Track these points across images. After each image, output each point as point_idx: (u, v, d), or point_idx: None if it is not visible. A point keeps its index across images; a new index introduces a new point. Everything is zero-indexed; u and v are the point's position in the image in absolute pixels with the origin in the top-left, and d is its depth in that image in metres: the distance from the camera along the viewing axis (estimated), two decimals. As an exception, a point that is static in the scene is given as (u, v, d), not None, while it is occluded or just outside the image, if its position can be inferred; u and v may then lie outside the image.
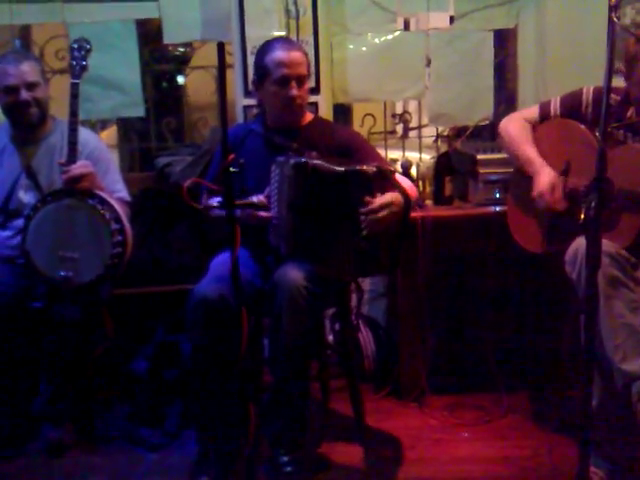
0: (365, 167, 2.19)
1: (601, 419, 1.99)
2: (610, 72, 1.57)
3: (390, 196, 2.20)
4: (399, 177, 2.37)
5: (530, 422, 2.61)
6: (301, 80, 2.33)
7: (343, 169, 2.18)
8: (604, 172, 1.55)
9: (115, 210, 2.44)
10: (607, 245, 1.87)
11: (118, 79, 3.33)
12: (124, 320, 2.76)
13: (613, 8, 1.55)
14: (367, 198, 2.16)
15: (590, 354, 1.60)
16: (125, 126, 3.86)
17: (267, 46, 2.37)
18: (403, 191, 2.26)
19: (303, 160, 2.19)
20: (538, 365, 2.80)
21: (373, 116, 3.33)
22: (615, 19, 1.54)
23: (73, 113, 2.44)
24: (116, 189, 2.61)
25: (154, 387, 2.69)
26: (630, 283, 1.95)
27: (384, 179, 2.24)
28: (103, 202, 2.43)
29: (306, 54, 2.39)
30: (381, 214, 2.16)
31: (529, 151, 2.36)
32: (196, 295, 2.18)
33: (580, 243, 1.92)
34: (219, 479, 2.19)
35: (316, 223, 2.22)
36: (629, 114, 2.23)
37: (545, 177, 2.26)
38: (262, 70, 2.34)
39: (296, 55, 2.33)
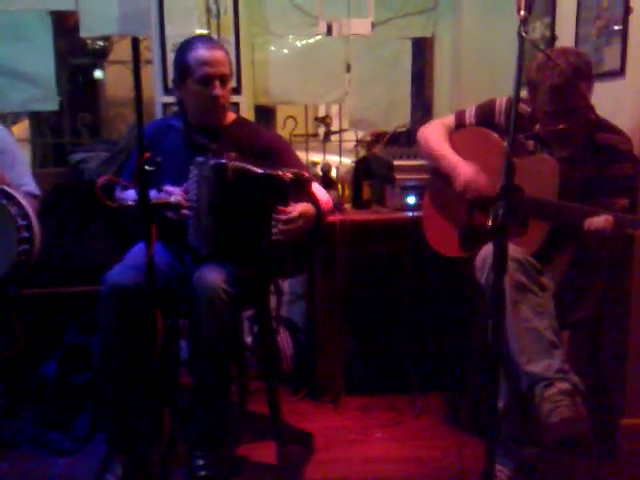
0: (282, 173, 2.18)
1: (507, 419, 2.06)
2: (519, 85, 1.61)
3: (302, 208, 2.20)
4: (316, 187, 2.38)
5: (441, 423, 2.67)
6: (224, 79, 2.31)
7: (261, 171, 2.18)
8: (512, 180, 1.60)
9: (22, 206, 2.34)
10: (514, 251, 1.94)
11: (31, 71, 3.22)
12: (34, 321, 2.67)
13: (522, 23, 1.60)
14: (280, 207, 2.16)
15: (497, 357, 1.64)
16: (38, 120, 3.72)
17: (189, 44, 2.33)
18: (316, 203, 2.27)
19: (222, 161, 2.17)
20: (450, 367, 2.88)
21: (295, 119, 3.34)
22: (524, 34, 1.60)
23: (-22, 106, 2.34)
24: (23, 182, 2.52)
25: (63, 391, 2.60)
26: (535, 288, 2.02)
27: (300, 188, 2.24)
28: (9, 197, 2.33)
29: (228, 53, 2.37)
30: (290, 225, 2.16)
31: (445, 150, 2.42)
32: (108, 282, 2.12)
33: (489, 249, 1.98)
34: (126, 478, 2.14)
35: (234, 224, 2.21)
36: (538, 125, 2.32)
37: (466, 168, 2.32)
38: (184, 68, 2.30)
39: (219, 54, 2.31)
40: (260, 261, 2.23)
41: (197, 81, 2.28)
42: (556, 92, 2.10)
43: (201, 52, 2.27)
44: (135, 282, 2.08)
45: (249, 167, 2.19)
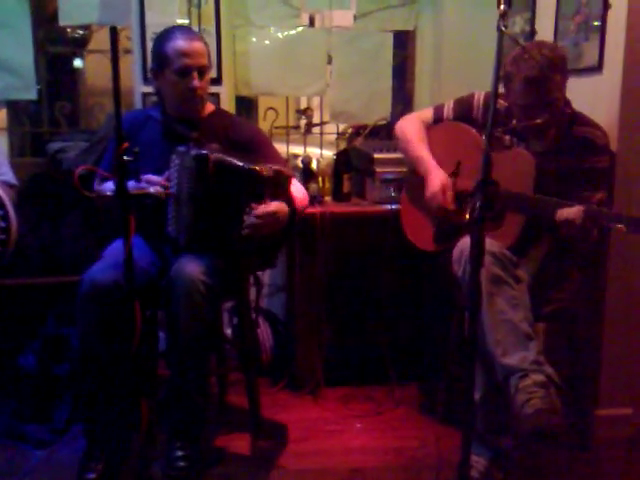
0: (261, 169, 2.18)
1: (483, 410, 2.09)
2: (497, 79, 1.63)
3: (275, 206, 2.20)
4: (294, 184, 2.38)
5: (419, 413, 2.70)
6: (202, 71, 2.30)
7: (241, 164, 2.17)
8: (489, 174, 1.62)
9: (-2, 195, 2.32)
10: (490, 245, 1.95)
11: (9, 59, 3.18)
12: (11, 312, 2.65)
13: (501, 17, 1.61)
14: (253, 203, 2.16)
15: (473, 348, 1.66)
16: (16, 109, 3.67)
17: (167, 34, 2.30)
18: (291, 201, 2.28)
19: (204, 152, 2.16)
20: (427, 359, 2.91)
21: (276, 110, 3.34)
22: (503, 28, 1.61)
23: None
24: (1, 172, 2.48)
25: (41, 382, 2.59)
26: (511, 281, 2.05)
27: (277, 185, 2.24)
28: (-15, 187, 2.31)
29: (207, 44, 2.36)
30: (261, 221, 2.16)
31: (422, 152, 2.43)
32: (87, 281, 2.11)
33: (465, 242, 2.00)
34: (107, 475, 2.13)
35: (212, 215, 2.20)
36: (515, 120, 2.34)
37: (436, 178, 2.34)
38: (161, 58, 2.28)
39: (198, 45, 2.29)
40: (231, 253, 2.23)
41: (175, 72, 2.26)
42: (530, 84, 2.11)
43: (180, 43, 2.26)
44: (113, 280, 2.07)
45: (231, 160, 2.18)
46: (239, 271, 2.42)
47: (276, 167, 2.23)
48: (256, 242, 2.21)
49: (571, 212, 1.98)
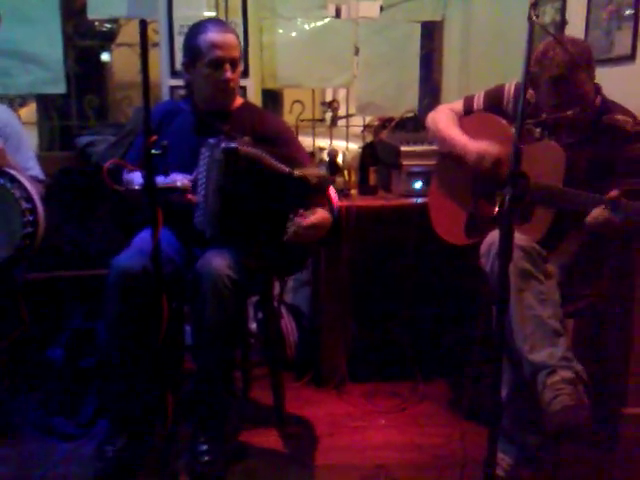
0: (308, 175, 2.15)
1: (510, 407, 2.05)
2: (528, 71, 1.60)
3: (321, 216, 2.17)
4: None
5: (444, 410, 2.67)
6: (234, 63, 2.30)
7: (287, 170, 2.14)
8: (519, 167, 1.59)
9: (26, 189, 2.33)
10: (519, 239, 1.92)
11: (38, 53, 3.21)
12: (40, 305, 2.67)
13: (532, 6, 1.58)
14: (301, 210, 2.13)
15: (500, 344, 1.64)
16: (45, 103, 3.71)
17: (200, 27, 2.30)
18: (333, 208, 2.26)
19: (233, 145, 2.14)
20: (453, 355, 2.87)
21: (302, 103, 3.32)
22: (534, 18, 1.57)
23: (-17, 89, 2.33)
24: (28, 166, 2.50)
25: (69, 375, 2.61)
26: (540, 276, 2.01)
27: (321, 191, 2.23)
28: (13, 180, 2.32)
29: (238, 37, 2.35)
30: (307, 232, 2.13)
31: (455, 132, 2.40)
32: (116, 267, 2.12)
33: (494, 236, 1.97)
34: (125, 450, 2.15)
35: (242, 210, 2.18)
36: (545, 114, 2.29)
37: (477, 143, 2.30)
38: (194, 51, 2.28)
39: (230, 37, 2.29)
40: (265, 256, 2.22)
41: (207, 64, 2.26)
42: (555, 84, 2.08)
43: (212, 35, 2.25)
44: (142, 266, 2.08)
45: (272, 161, 2.16)
46: (266, 272, 2.41)
47: (319, 173, 2.21)
48: (294, 249, 2.19)
49: (596, 214, 1.94)
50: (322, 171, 2.27)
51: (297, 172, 2.15)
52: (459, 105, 2.51)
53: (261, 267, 2.29)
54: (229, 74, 2.28)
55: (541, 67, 2.10)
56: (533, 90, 2.20)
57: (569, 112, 2.10)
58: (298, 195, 2.16)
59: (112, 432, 2.19)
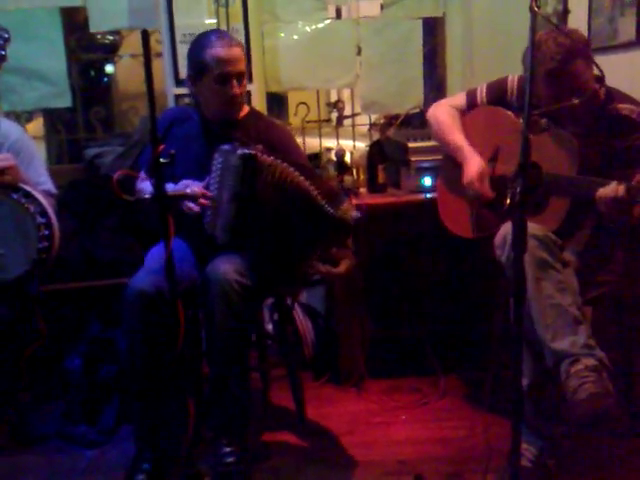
0: (349, 219, 2.15)
1: (532, 397, 2.05)
2: (532, 61, 1.60)
3: (348, 265, 2.28)
4: None
5: (465, 403, 2.67)
6: (241, 77, 2.30)
7: (331, 212, 2.12)
8: (528, 158, 1.59)
9: (40, 203, 2.35)
10: (534, 228, 1.92)
11: (43, 69, 3.25)
12: (57, 317, 2.69)
13: (534, -3, 1.58)
14: (334, 250, 2.19)
15: (519, 335, 1.64)
16: (52, 117, 3.74)
17: (204, 40, 2.29)
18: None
19: (251, 152, 2.14)
20: (472, 347, 2.87)
21: (307, 105, 3.33)
22: (536, 8, 1.58)
23: (-7, 105, 2.35)
24: (40, 181, 2.52)
25: (88, 384, 2.63)
26: (557, 265, 2.00)
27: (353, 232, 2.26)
28: (27, 195, 2.34)
29: (243, 48, 2.35)
30: (329, 270, 2.19)
31: (458, 139, 2.40)
32: (132, 288, 2.14)
33: (508, 227, 1.96)
34: (156, 476, 2.15)
35: (257, 219, 2.18)
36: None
37: (474, 166, 2.31)
38: (200, 66, 2.28)
39: (236, 51, 2.28)
40: (279, 273, 2.25)
41: (215, 79, 2.26)
42: (551, 77, 2.07)
43: (218, 50, 2.25)
44: (155, 287, 2.09)
45: (289, 168, 2.16)
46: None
47: (355, 214, 2.20)
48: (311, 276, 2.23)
49: (611, 190, 1.93)
50: (355, 211, 2.24)
51: (340, 215, 2.14)
52: (461, 99, 2.50)
53: (269, 280, 2.31)
54: (236, 89, 2.28)
55: (536, 62, 2.09)
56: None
57: (575, 100, 2.09)
58: (335, 236, 2.19)
59: (140, 453, 2.19)
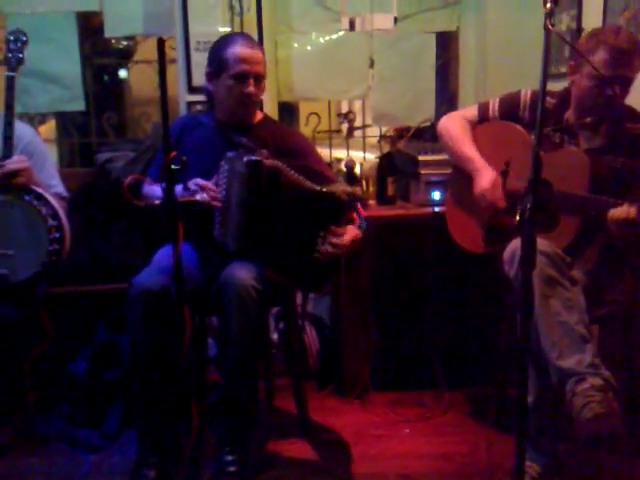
0: (339, 192, 2.16)
1: (537, 415, 2.04)
2: (545, 77, 1.61)
3: (354, 235, 2.19)
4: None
5: (469, 418, 2.66)
6: (259, 78, 2.32)
7: (318, 189, 2.15)
8: (539, 174, 1.59)
9: (52, 206, 2.37)
10: (544, 245, 1.92)
11: (57, 72, 3.27)
12: (64, 319, 2.70)
13: (548, 15, 1.59)
14: (333, 227, 2.15)
15: (525, 351, 1.63)
16: (64, 120, 3.77)
17: (228, 39, 2.34)
18: (361, 223, 2.27)
19: (256, 158, 2.15)
20: (478, 362, 2.86)
21: (318, 115, 3.35)
22: (550, 26, 1.58)
23: (8, 107, 2.36)
24: (52, 184, 2.54)
25: (93, 387, 2.64)
26: (566, 282, 2.00)
27: (350, 207, 2.24)
28: (40, 198, 2.36)
29: (264, 54, 2.37)
30: (337, 250, 2.15)
31: (469, 150, 2.40)
32: (136, 286, 2.13)
33: (518, 243, 1.94)
34: (160, 467, 2.15)
35: (266, 224, 2.19)
36: (565, 117, 2.30)
37: (486, 175, 2.31)
38: (220, 62, 2.31)
39: (257, 53, 2.32)
40: (289, 270, 2.23)
41: (232, 76, 2.29)
42: (618, 54, 2.06)
43: (240, 49, 2.28)
44: (160, 285, 2.09)
45: (304, 180, 2.17)
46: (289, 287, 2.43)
47: (349, 189, 2.23)
48: (323, 266, 2.20)
49: (622, 211, 1.93)
50: (350, 187, 2.27)
51: (327, 189, 2.16)
52: (473, 112, 2.50)
53: (286, 281, 2.30)
54: (252, 88, 2.30)
55: (601, 37, 2.08)
56: (571, 70, 2.21)
57: (588, 119, 2.09)
58: (329, 212, 2.17)
59: (143, 458, 2.18)
